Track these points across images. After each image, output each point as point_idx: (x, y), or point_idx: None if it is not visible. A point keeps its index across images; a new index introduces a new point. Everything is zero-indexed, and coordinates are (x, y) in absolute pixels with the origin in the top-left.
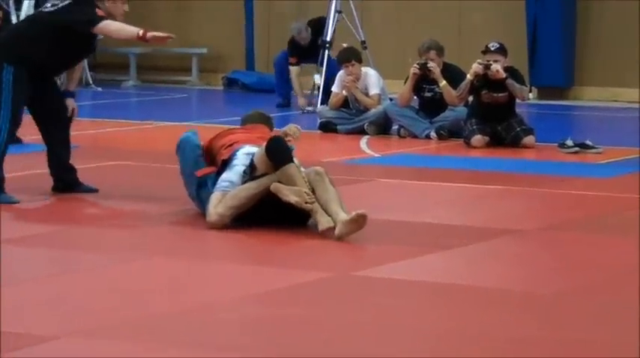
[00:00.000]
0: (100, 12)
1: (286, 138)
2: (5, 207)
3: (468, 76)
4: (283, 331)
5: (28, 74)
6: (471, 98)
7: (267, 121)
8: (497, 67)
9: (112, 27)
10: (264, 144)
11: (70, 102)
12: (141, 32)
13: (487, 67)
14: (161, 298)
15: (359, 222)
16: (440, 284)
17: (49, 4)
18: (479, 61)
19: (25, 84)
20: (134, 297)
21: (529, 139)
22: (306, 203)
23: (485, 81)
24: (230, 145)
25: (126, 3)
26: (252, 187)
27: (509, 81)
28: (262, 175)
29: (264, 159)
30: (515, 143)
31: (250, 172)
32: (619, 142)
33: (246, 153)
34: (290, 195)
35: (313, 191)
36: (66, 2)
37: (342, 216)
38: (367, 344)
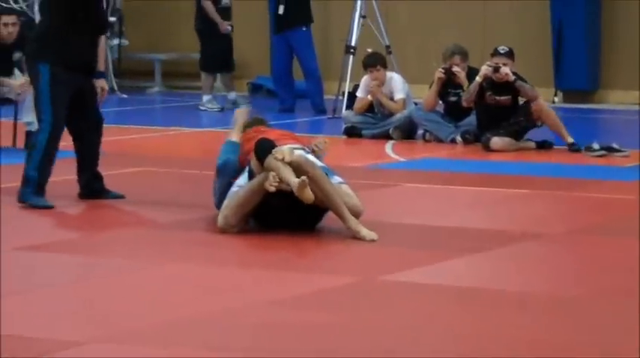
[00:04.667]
0: None
1: (314, 150)
2: (33, 212)
3: (477, 78)
4: (309, 336)
5: (65, 70)
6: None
7: (263, 123)
8: (507, 70)
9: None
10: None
11: (101, 83)
12: None
13: (496, 69)
14: (186, 303)
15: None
16: (466, 288)
17: None
18: (488, 63)
19: (64, 83)
20: (159, 302)
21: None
22: (271, 185)
23: (492, 83)
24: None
25: None
26: (249, 184)
27: (519, 82)
28: None
29: (255, 162)
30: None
31: (249, 178)
32: None
33: None
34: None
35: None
36: None
37: (357, 229)
38: (394, 349)
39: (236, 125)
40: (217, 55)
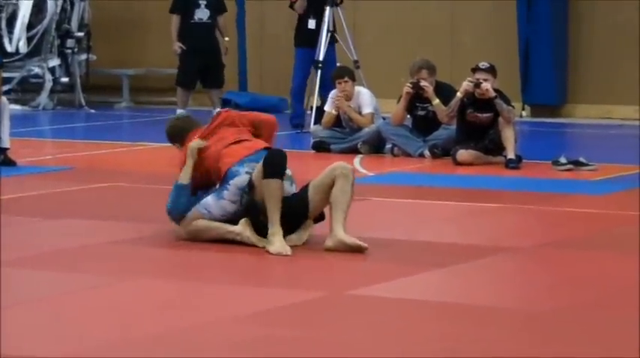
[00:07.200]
0: None
1: None
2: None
3: (458, 94)
4: (277, 352)
5: None
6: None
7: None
8: (487, 86)
9: None
10: (264, 159)
11: None
12: None
13: (477, 85)
14: (154, 319)
15: (358, 250)
16: (435, 302)
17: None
18: (469, 79)
19: None
20: (128, 318)
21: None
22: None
23: (473, 100)
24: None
25: None
26: (223, 228)
27: (498, 100)
28: (252, 203)
29: (259, 175)
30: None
31: (249, 191)
32: (613, 159)
33: (240, 187)
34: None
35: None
36: None
37: (341, 235)
38: None
39: (189, 162)
40: (188, 70)
